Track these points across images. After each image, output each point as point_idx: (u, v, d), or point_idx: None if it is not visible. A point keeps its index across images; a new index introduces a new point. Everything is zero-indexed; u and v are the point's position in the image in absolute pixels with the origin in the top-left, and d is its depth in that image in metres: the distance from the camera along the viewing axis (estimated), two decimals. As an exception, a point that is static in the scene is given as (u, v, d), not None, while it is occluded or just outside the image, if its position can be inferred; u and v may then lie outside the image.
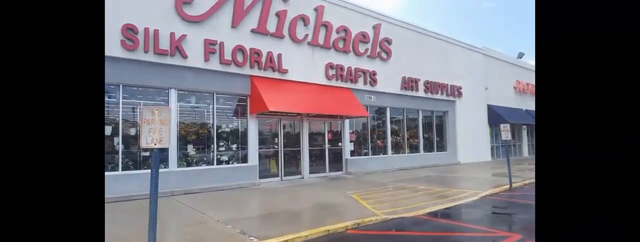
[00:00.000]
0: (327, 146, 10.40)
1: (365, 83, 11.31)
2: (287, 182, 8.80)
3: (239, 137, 8.75)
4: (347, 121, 10.97)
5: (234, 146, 8.63)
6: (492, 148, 16.97)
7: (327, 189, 7.64)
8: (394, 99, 12.41)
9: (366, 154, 11.61)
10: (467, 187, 7.64)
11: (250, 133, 8.76)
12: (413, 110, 13.45)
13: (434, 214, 5.26)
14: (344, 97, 10.46)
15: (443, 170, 11.67)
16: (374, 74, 11.57)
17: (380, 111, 12.33)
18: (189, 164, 7.85)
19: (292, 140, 9.88)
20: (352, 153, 11.08)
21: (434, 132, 14.25)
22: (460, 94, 14.96)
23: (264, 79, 8.88)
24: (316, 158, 10.32)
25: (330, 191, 7.42)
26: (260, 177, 8.83)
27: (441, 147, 14.49)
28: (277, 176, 9.23)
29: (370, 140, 11.75)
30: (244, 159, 8.70)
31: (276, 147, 9.38)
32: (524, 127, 19.72)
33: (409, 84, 12.74)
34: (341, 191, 7.34)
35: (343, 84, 10.70)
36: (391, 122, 12.54)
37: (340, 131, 10.91)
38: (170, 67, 7.39)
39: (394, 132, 12.62)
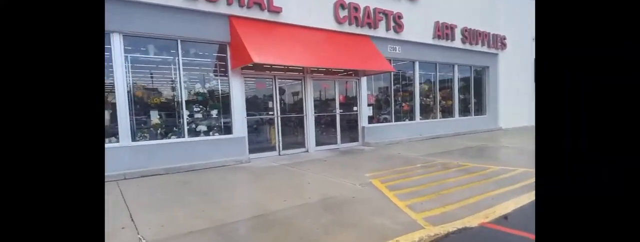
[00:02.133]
0: (338, 111, 8.16)
1: (387, 29, 8.69)
2: (286, 158, 6.77)
3: (220, 101, 6.63)
4: (364, 79, 8.58)
5: (214, 113, 6.55)
6: (538, 111, 14.19)
7: (337, 169, 5.54)
8: (424, 51, 9.77)
9: (388, 120, 9.33)
10: (531, 164, 5.33)
11: (233, 95, 6.60)
12: (447, 65, 10.79)
13: (516, 217, 3.08)
14: (360, 47, 7.97)
15: (485, 138, 9.31)
16: (399, 16, 8.87)
17: (406, 66, 9.78)
18: (152, 137, 5.89)
19: (293, 104, 7.68)
20: (371, 120, 8.82)
21: (472, 93, 11.63)
22: (503, 46, 12.03)
23: (248, 21, 6.50)
24: (325, 126, 8.16)
25: (341, 171, 5.32)
26: (251, 151, 6.83)
27: (479, 111, 11.94)
28: (273, 149, 7.20)
29: (393, 103, 9.38)
30: (228, 129, 6.65)
31: (271, 113, 7.23)
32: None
33: (443, 31, 9.96)
34: (356, 171, 5.22)
35: (359, 30, 8.15)
36: (420, 81, 10.01)
37: (356, 91, 8.57)
38: (111, 1, 5.12)
39: (423, 93, 10.15)
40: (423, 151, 7.24)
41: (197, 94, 6.38)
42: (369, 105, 8.74)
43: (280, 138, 7.22)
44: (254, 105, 7.17)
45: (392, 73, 9.20)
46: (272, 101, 7.20)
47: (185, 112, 6.16)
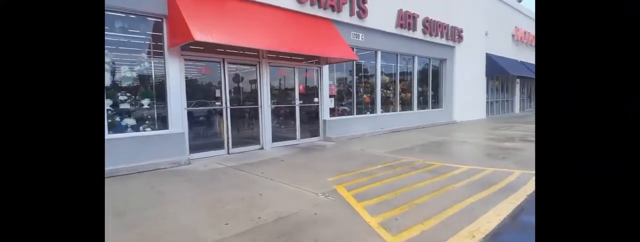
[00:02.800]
0: (298, 102, 7.32)
1: (351, 13, 7.97)
2: (236, 158, 5.80)
3: (154, 88, 5.39)
4: (326, 68, 7.82)
5: (146, 102, 5.30)
6: (487, 104, 14.82)
7: (296, 171, 4.76)
8: (387, 40, 9.28)
9: (349, 112, 8.74)
10: (504, 164, 5.11)
11: (171, 80, 5.41)
12: (408, 56, 10.48)
13: (503, 235, 2.60)
14: (322, 31, 7.15)
15: (444, 132, 9.22)
16: (364, 0, 8.19)
17: (368, 57, 9.22)
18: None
19: (246, 93, 6.67)
20: (332, 112, 8.14)
21: (430, 85, 11.56)
22: (460, 39, 12.10)
23: (191, -10, 5.29)
24: (283, 119, 7.29)
25: (300, 174, 4.56)
26: (194, 150, 5.74)
27: (436, 103, 11.96)
28: (221, 147, 6.17)
29: (356, 94, 8.80)
30: (163, 123, 5.46)
31: (219, 104, 6.15)
32: (518, 81, 17.72)
33: (406, 20, 9.56)
34: (317, 175, 4.50)
35: (321, 13, 7.31)
36: (382, 72, 9.55)
37: (317, 81, 7.79)
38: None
39: (384, 85, 9.73)
40: (386, 147, 6.77)
41: (125, 78, 5.08)
42: (330, 96, 8.03)
43: (230, 134, 6.20)
44: (198, 93, 6.02)
45: (355, 63, 8.57)
46: (221, 89, 6.11)
47: (107, 102, 4.85)
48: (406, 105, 10.60)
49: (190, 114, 5.73)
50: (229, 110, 6.17)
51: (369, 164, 5.07)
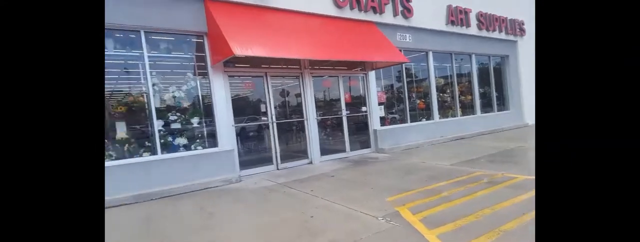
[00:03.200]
0: (344, 112, 6.91)
1: (395, 14, 7.47)
2: (285, 174, 5.51)
3: (201, 107, 5.41)
4: (372, 74, 7.34)
5: (195, 121, 5.32)
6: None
7: (349, 188, 4.28)
8: (438, 39, 8.54)
9: (402, 120, 8.06)
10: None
11: (216, 98, 5.38)
12: (463, 55, 9.54)
13: None
14: (365, 35, 6.75)
15: (517, 137, 8.01)
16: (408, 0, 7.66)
17: (418, 59, 8.54)
18: (120, 155, 4.65)
19: (292, 107, 6.45)
20: (382, 121, 7.55)
21: (493, 86, 10.35)
22: (522, 32, 10.77)
23: (229, 6, 5.30)
24: (330, 131, 6.91)
25: (354, 191, 4.06)
26: (243, 166, 5.59)
27: (502, 105, 10.64)
28: (270, 162, 5.94)
29: (407, 100, 8.12)
30: (213, 141, 5.41)
31: (265, 118, 6.00)
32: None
33: (457, 16, 8.73)
34: (374, 192, 3.97)
35: (362, 16, 6.93)
36: (435, 74, 8.76)
37: (364, 89, 7.33)
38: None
39: (439, 88, 8.89)
40: (451, 157, 5.96)
41: (173, 98, 5.17)
42: (379, 104, 7.48)
43: (278, 148, 5.97)
44: (245, 110, 5.94)
45: (404, 66, 7.96)
46: (265, 103, 5.96)
47: (157, 123, 4.93)
48: (467, 109, 9.55)
49: (238, 131, 5.63)
50: (275, 124, 5.97)
51: (433, 180, 4.38)
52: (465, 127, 8.97)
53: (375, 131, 7.20)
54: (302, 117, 6.37)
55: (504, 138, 7.96)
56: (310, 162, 6.28)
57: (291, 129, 6.43)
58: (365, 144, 7.22)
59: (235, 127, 5.58)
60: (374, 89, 7.30)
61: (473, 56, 9.68)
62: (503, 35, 10.16)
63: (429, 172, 4.80)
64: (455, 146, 7.30)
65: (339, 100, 6.91)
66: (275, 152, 5.92)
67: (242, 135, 5.83)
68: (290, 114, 6.42)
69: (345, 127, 6.87)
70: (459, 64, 9.44)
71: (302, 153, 6.36)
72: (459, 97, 9.29)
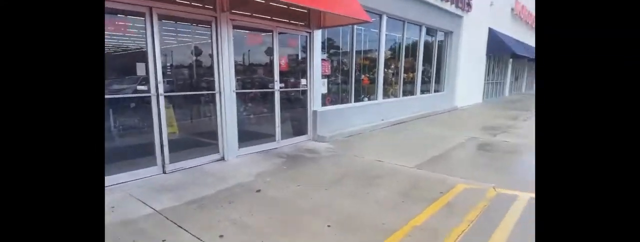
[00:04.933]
0: (277, 84, 4.87)
1: (355, -46, 5.43)
2: (175, 184, 3.43)
3: None
4: (318, 35, 5.36)
5: None
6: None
7: (288, 226, 2.53)
8: (393, 1, 6.92)
9: (346, 100, 6.46)
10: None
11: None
12: (414, 25, 8.25)
13: None
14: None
15: (459, 123, 7.34)
16: (372, -62, 5.68)
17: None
18: None
19: (194, 71, 4.13)
20: (324, 99, 5.82)
21: (434, 64, 9.52)
22: (469, 7, 10.04)
23: None
24: (254, 110, 4.87)
25: (303, 233, 2.32)
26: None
27: (438, 86, 10.02)
28: (152, 162, 3.66)
29: (353, 75, 6.48)
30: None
31: (144, 88, 3.57)
32: (510, 61, 16.33)
33: (418, -24, 7.19)
34: (333, 230, 2.29)
35: (314, -54, 4.70)
36: (386, 44, 7.27)
37: (307, 54, 5.34)
38: None
39: (386, 62, 7.49)
40: (407, 153, 4.68)
41: None
42: (323, 76, 5.66)
43: (165, 139, 3.69)
44: (109, 72, 3.39)
45: (355, 29, 6.20)
46: (148, 62, 3.51)
47: None
48: (408, 89, 8.52)
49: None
50: (161, 99, 3.61)
51: (410, 200, 2.92)
52: (404, 109, 7.96)
53: (315, 112, 5.44)
54: (213, 89, 4.13)
55: (446, 125, 7.19)
56: (222, 159, 4.21)
57: (191, 107, 4.17)
58: (300, 130, 5.44)
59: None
60: (318, 56, 5.39)
61: (423, 28, 8.49)
62: (453, 8, 9.18)
63: (396, 183, 3.35)
64: (402, 134, 6.14)
65: (270, 66, 4.81)
66: (161, 144, 3.65)
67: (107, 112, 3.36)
68: (193, 83, 4.12)
69: (277, 106, 4.89)
70: (408, 34, 8.12)
71: (209, 144, 4.23)
72: (402, 74, 8.12)
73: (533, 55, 17.00)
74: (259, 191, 3.17)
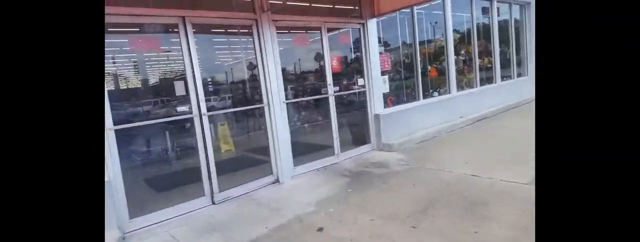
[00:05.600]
0: (331, 88, 4.17)
1: None
2: (226, 217, 2.93)
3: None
4: (373, 24, 4.56)
5: None
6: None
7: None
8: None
9: (412, 97, 5.52)
10: None
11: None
12: (483, 1, 6.92)
13: None
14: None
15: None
16: None
17: (429, 6, 5.79)
18: None
19: (237, 82, 3.66)
20: (387, 100, 4.97)
21: (513, 43, 7.97)
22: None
23: None
24: (306, 120, 4.26)
25: None
26: (134, 207, 2.85)
27: (520, 69, 8.39)
28: (199, 190, 3.23)
29: (418, 67, 5.51)
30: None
31: (185, 108, 3.16)
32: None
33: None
34: None
35: None
36: (454, 27, 6.14)
37: (362, 48, 4.56)
38: None
39: (456, 48, 6.33)
40: (511, 159, 3.61)
41: None
42: (383, 73, 4.82)
43: (212, 166, 3.22)
44: (138, 93, 3.08)
45: (415, 12, 5.25)
46: (186, 80, 3.09)
47: None
48: (485, 76, 7.17)
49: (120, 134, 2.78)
50: (205, 119, 3.16)
51: None
52: (484, 102, 6.67)
53: (377, 116, 4.62)
54: (261, 102, 3.60)
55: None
56: (277, 181, 3.65)
57: (239, 124, 3.70)
58: (362, 138, 4.68)
59: (115, 130, 2.71)
60: (375, 50, 4.58)
61: (494, 2, 7.09)
62: (529, -25, 7.57)
63: (514, 211, 2.39)
64: (490, 133, 5.00)
65: (320, 69, 4.16)
66: (208, 170, 3.19)
67: (129, 140, 3.03)
68: (238, 97, 3.65)
69: (333, 113, 4.20)
70: (477, 13, 6.82)
71: (261, 163, 3.71)
72: (477, 60, 6.83)
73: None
74: (321, 229, 2.50)
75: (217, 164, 3.22)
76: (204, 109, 3.12)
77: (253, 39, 3.51)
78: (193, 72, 3.05)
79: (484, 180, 3.11)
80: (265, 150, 3.68)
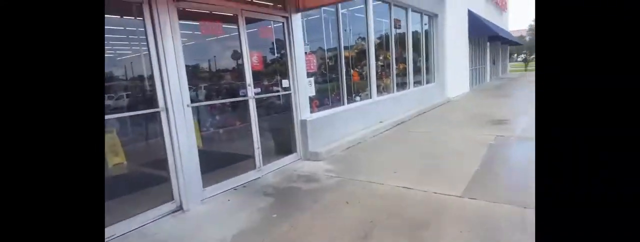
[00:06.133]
0: (251, 91, 3.52)
1: None
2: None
3: None
4: (297, 20, 4.07)
5: None
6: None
7: None
8: (382, -22, 5.76)
9: (336, 102, 5.23)
10: None
11: None
12: (400, 8, 7.16)
13: None
14: None
15: (464, 116, 6.38)
16: None
17: (351, 5, 5.62)
18: None
19: (125, 79, 2.71)
20: (312, 104, 4.55)
21: (423, 51, 8.53)
22: (452, -13, 9.14)
23: None
24: (221, 128, 3.53)
25: None
26: None
27: (428, 76, 9.05)
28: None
29: (343, 70, 5.25)
30: None
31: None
32: (488, 44, 15.88)
33: (403, -51, 6.07)
34: None
35: None
36: (374, 33, 6.11)
37: (287, 46, 4.02)
38: None
39: (376, 53, 6.33)
40: (438, 169, 3.57)
41: None
42: (309, 75, 4.38)
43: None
44: None
45: (340, 10, 4.97)
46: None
47: None
48: (400, 82, 7.44)
49: None
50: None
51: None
52: (400, 106, 6.89)
53: (304, 122, 4.15)
54: (156, 106, 2.74)
55: (453, 122, 6.19)
56: (180, 208, 2.84)
57: (137, 129, 2.78)
58: (286, 147, 4.15)
59: None
60: (301, 48, 4.10)
61: (409, 11, 7.42)
62: (437, -12, 8.21)
63: (457, 233, 2.20)
64: (411, 139, 5.05)
65: (237, 68, 3.47)
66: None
67: None
68: (137, 96, 2.73)
69: (254, 119, 3.56)
70: (395, 19, 7.02)
71: (158, 184, 2.85)
72: (394, 66, 7.02)
73: (508, 37, 16.70)
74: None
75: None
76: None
77: (145, 23, 2.64)
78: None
79: (418, 193, 2.92)
80: (164, 166, 2.83)
